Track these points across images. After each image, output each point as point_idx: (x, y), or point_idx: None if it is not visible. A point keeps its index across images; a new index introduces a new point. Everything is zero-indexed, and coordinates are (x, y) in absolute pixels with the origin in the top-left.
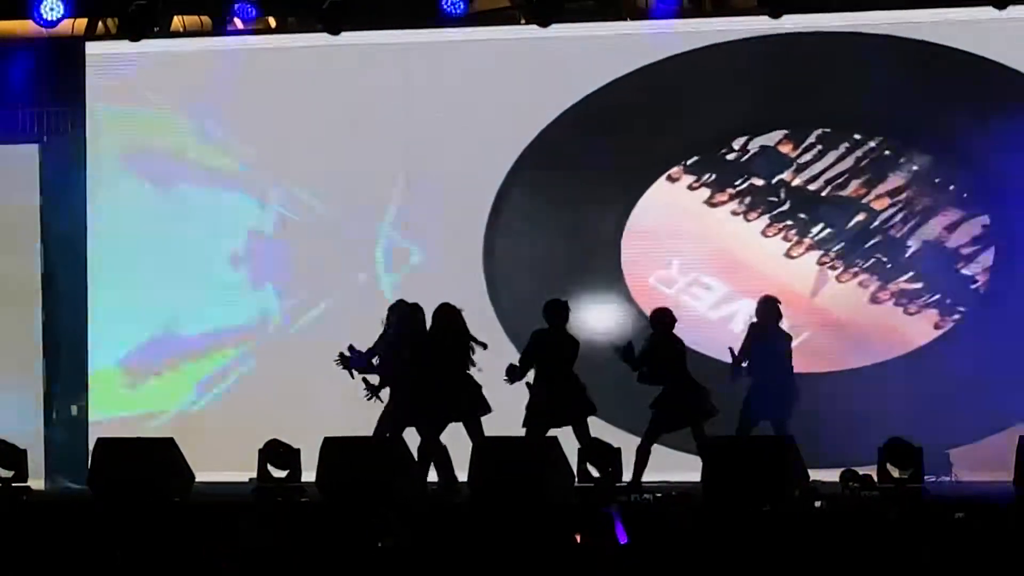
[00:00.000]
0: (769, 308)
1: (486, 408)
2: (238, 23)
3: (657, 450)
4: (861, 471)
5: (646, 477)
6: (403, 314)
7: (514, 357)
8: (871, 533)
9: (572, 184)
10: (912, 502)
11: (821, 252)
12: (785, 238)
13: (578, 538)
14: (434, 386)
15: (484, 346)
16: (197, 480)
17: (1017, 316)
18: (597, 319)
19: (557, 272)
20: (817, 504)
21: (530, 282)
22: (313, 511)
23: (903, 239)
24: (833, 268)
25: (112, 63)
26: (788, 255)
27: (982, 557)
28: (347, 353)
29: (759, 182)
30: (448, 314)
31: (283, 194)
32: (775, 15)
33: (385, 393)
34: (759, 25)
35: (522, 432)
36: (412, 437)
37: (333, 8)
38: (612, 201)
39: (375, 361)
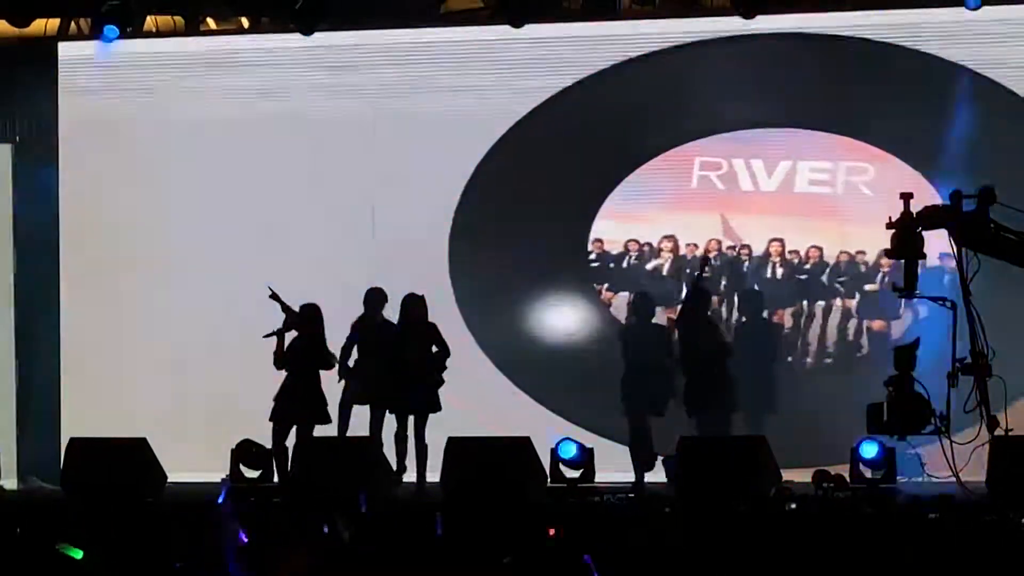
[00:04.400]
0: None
1: (435, 406)
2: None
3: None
4: (833, 471)
5: (621, 477)
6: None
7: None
8: (844, 533)
9: (539, 183)
10: (885, 502)
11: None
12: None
13: (551, 532)
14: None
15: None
16: (169, 480)
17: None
18: (562, 319)
19: (522, 272)
20: (792, 506)
21: (495, 282)
22: (285, 511)
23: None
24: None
25: (85, 63)
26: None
27: (955, 557)
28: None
29: None
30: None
31: (261, 193)
32: (748, 16)
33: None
34: (732, 25)
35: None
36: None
37: (306, 8)
38: (579, 201)
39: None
